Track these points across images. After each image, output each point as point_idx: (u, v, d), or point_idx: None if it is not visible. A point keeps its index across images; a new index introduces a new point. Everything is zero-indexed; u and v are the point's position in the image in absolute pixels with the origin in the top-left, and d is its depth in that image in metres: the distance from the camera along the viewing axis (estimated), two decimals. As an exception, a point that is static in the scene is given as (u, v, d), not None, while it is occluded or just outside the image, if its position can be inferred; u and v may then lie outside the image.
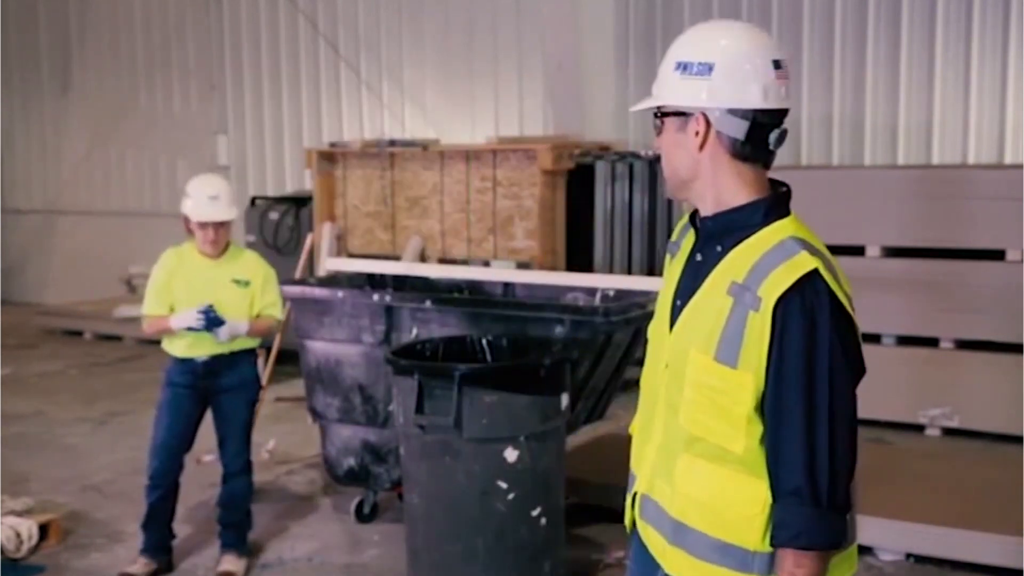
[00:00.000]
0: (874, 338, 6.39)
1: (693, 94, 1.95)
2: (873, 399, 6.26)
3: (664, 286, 2.13)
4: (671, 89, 1.99)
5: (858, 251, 6.35)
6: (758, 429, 1.90)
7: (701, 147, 1.96)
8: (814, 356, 1.85)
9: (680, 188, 2.04)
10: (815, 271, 1.89)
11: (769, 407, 1.88)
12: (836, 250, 7.52)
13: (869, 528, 4.60)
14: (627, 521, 2.20)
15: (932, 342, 6.25)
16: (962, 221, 6.11)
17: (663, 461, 2.04)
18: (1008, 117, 7.33)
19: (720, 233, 1.98)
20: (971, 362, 6.15)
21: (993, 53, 7.34)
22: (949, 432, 6.18)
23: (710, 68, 1.95)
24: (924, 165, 7.41)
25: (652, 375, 2.11)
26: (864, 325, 6.62)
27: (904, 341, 6.34)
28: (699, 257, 2.02)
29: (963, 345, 6.18)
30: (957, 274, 6.17)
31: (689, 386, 1.95)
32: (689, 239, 2.10)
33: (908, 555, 4.57)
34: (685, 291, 2.02)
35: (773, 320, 1.85)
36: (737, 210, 1.97)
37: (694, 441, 1.96)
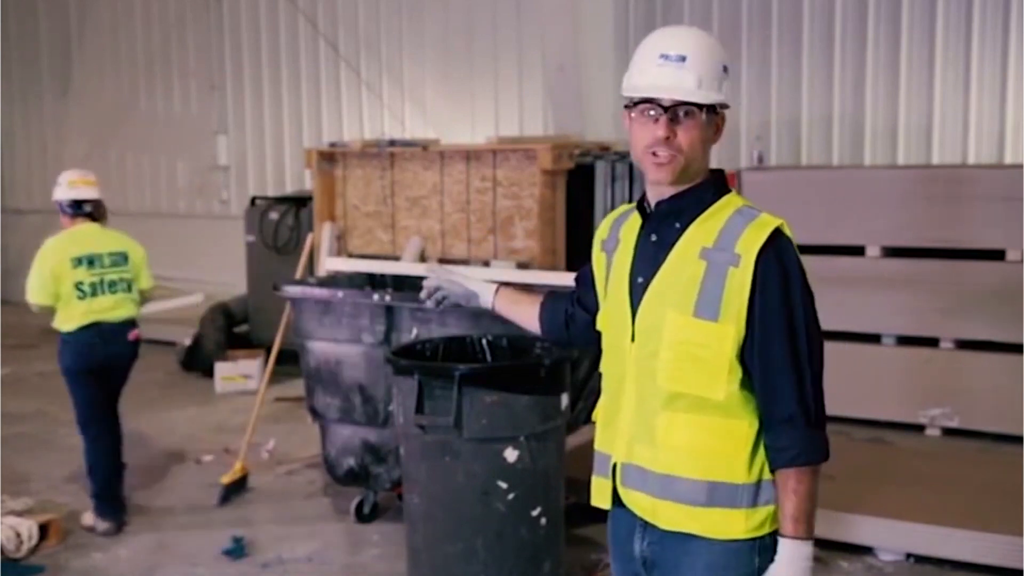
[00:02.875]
0: (874, 338, 6.39)
1: (728, 94, 2.22)
2: (873, 399, 6.33)
3: (613, 276, 2.33)
4: (719, 88, 2.19)
5: (858, 251, 6.35)
6: (738, 375, 2.14)
7: (715, 139, 2.23)
8: (791, 299, 2.13)
9: (681, 176, 2.19)
10: (781, 227, 2.17)
11: (757, 350, 2.13)
12: (836, 250, 7.54)
13: (869, 528, 4.61)
14: (600, 499, 2.37)
15: (932, 342, 6.25)
16: (962, 221, 6.11)
17: (641, 427, 2.23)
18: (1008, 117, 7.33)
19: (678, 211, 2.22)
20: (971, 362, 6.15)
21: (993, 53, 7.34)
22: (949, 432, 6.18)
23: (727, 70, 2.24)
24: (924, 165, 7.40)
25: (615, 356, 2.30)
26: (864, 325, 6.65)
27: (904, 341, 6.34)
28: (654, 238, 2.24)
29: (963, 345, 6.18)
30: (957, 274, 6.16)
31: (667, 347, 2.17)
32: (631, 228, 2.31)
33: (908, 555, 4.57)
34: (644, 269, 2.23)
35: (754, 272, 2.11)
36: (691, 190, 2.22)
37: (674, 398, 2.18)
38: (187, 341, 8.63)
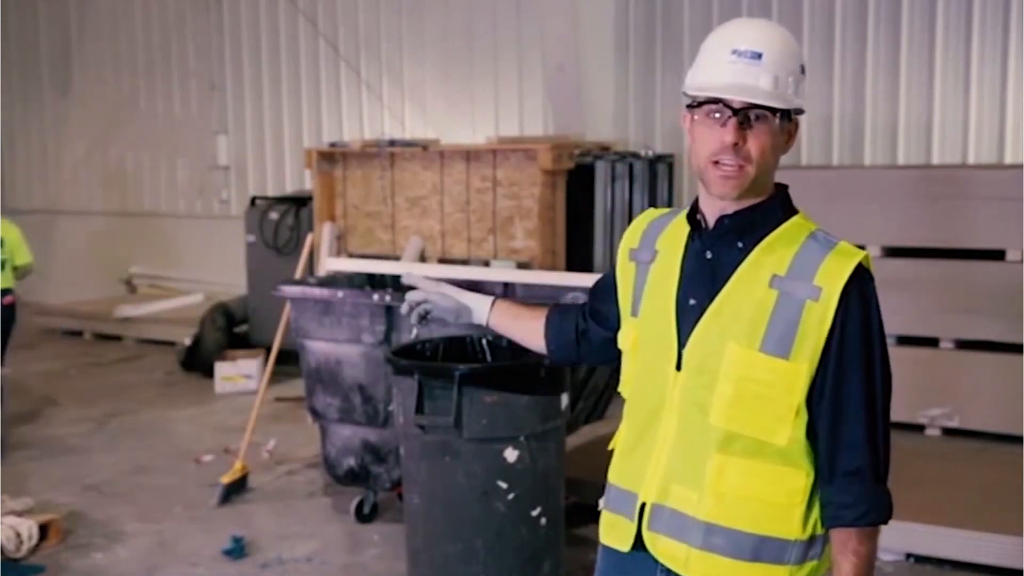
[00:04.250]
0: (874, 338, 6.38)
1: (804, 97, 2.00)
2: (873, 399, 6.31)
3: (650, 291, 2.10)
4: (796, 91, 1.97)
5: (858, 251, 6.35)
6: (804, 419, 1.94)
7: (786, 149, 2.00)
8: (871, 341, 1.96)
9: (749, 188, 1.96)
10: (865, 259, 1.96)
11: (829, 394, 1.93)
12: (836, 250, 7.28)
13: (869, 528, 4.60)
14: (617, 539, 2.11)
15: (932, 342, 6.25)
16: (962, 221, 6.10)
17: (683, 467, 2.00)
18: (1008, 117, 7.32)
19: (741, 229, 1.99)
20: (971, 362, 6.15)
21: (993, 53, 7.34)
22: (949, 432, 6.18)
23: (804, 70, 2.01)
24: (924, 165, 7.40)
25: (649, 382, 2.07)
26: (864, 325, 6.40)
27: (904, 341, 6.34)
28: (709, 255, 2.01)
29: (963, 345, 6.18)
30: (957, 274, 6.16)
31: (727, 382, 1.94)
32: (674, 239, 2.09)
33: (908, 555, 4.57)
34: (696, 290, 2.00)
35: (837, 310, 1.90)
36: (758, 206, 1.99)
37: (731, 439, 1.95)
38: (187, 341, 8.63)
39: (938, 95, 7.54)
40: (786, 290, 1.92)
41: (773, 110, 1.92)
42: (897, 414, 7.34)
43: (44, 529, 4.86)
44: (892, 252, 6.30)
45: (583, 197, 7.25)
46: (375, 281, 5.56)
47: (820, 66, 7.90)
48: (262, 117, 10.70)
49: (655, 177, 7.69)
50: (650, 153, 7.74)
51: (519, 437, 3.81)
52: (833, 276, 1.91)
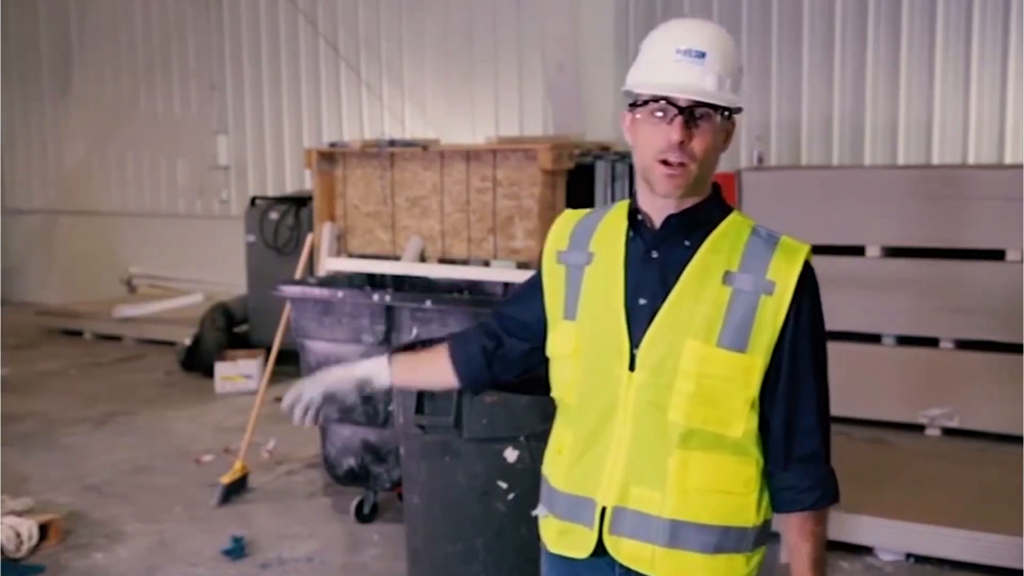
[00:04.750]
0: (874, 338, 6.39)
1: (742, 96, 2.04)
2: (873, 399, 6.32)
3: (588, 294, 2.07)
4: (738, 90, 2.01)
5: (858, 251, 6.35)
6: (756, 410, 1.99)
7: (724, 148, 2.04)
8: (818, 331, 2.01)
9: (692, 186, 1.98)
10: (808, 254, 2.02)
11: (784, 384, 1.99)
12: (836, 250, 7.52)
13: (869, 528, 4.60)
14: (575, 547, 2.11)
15: (932, 342, 6.25)
16: (962, 221, 6.10)
17: (642, 466, 2.00)
18: (1008, 117, 7.33)
19: (688, 228, 2.01)
20: (971, 362, 6.15)
21: (993, 53, 7.34)
22: (949, 432, 6.18)
23: (742, 70, 2.05)
24: (924, 165, 7.40)
25: (597, 385, 2.04)
26: (864, 325, 6.64)
27: (904, 341, 6.34)
28: (656, 255, 2.02)
29: (963, 345, 6.18)
30: (957, 274, 6.16)
31: (686, 379, 1.95)
32: (612, 240, 2.07)
33: (908, 555, 4.57)
34: (646, 290, 2.00)
35: (791, 302, 1.96)
36: (701, 205, 2.02)
37: (690, 435, 1.97)
38: (187, 341, 8.63)
39: (938, 95, 7.54)
40: (739, 285, 1.96)
41: (716, 108, 1.95)
42: (897, 414, 7.35)
43: (44, 529, 4.86)
44: (892, 252, 6.30)
45: (583, 197, 7.25)
46: (375, 281, 5.56)
47: (820, 66, 7.91)
48: (262, 117, 10.70)
49: (655, 177, 7.68)
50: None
51: (519, 437, 3.81)
52: (786, 271, 1.97)
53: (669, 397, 1.97)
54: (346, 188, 7.74)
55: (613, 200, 7.41)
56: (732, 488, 2.00)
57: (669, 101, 1.93)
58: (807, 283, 1.98)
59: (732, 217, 2.05)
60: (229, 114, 10.93)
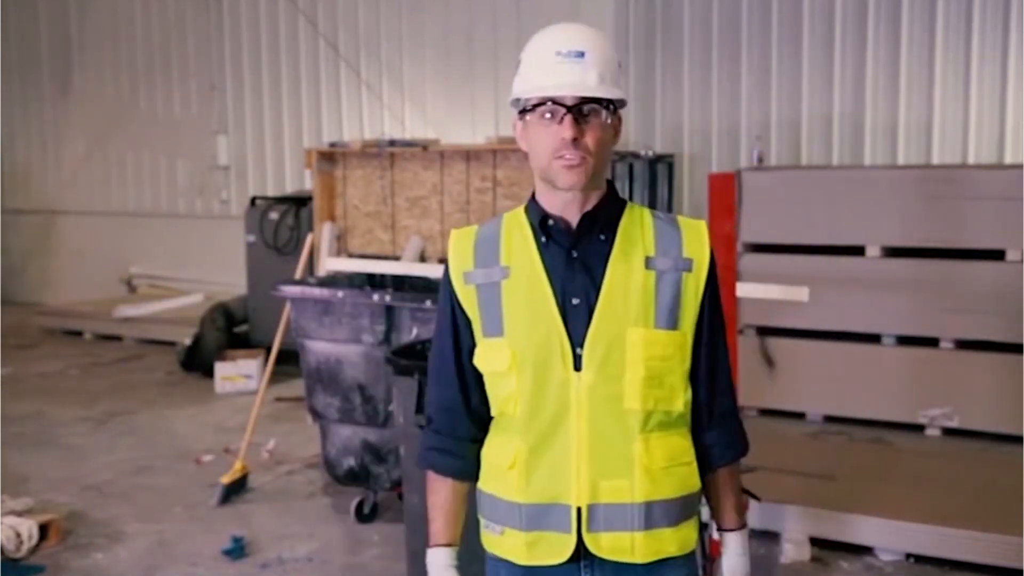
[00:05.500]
0: (874, 338, 6.39)
1: (624, 91, 2.09)
2: (873, 399, 6.32)
3: (513, 304, 2.05)
4: (618, 84, 2.06)
5: (858, 251, 6.35)
6: (688, 382, 2.10)
7: (615, 141, 2.10)
8: (719, 298, 2.15)
9: (591, 180, 2.03)
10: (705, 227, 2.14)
11: (705, 350, 2.11)
12: (836, 250, 7.51)
13: (869, 528, 4.60)
14: (553, 554, 2.06)
15: (932, 342, 6.25)
16: (962, 221, 6.10)
17: (607, 459, 2.03)
18: (1008, 117, 7.33)
19: (601, 222, 2.08)
20: (971, 362, 6.15)
21: (993, 53, 7.34)
22: (949, 432, 6.18)
23: (620, 65, 2.12)
24: (924, 165, 7.40)
25: (547, 389, 2.03)
26: (864, 325, 6.63)
27: (904, 341, 6.34)
28: (575, 253, 2.06)
29: (963, 345, 6.18)
30: (957, 274, 6.16)
31: (634, 365, 2.02)
32: (520, 248, 2.08)
33: (908, 555, 4.57)
34: (575, 289, 2.03)
35: (707, 275, 2.09)
36: (608, 198, 2.10)
37: (648, 417, 2.05)
38: (187, 341, 8.63)
39: (938, 95, 7.54)
40: (661, 267, 2.06)
41: (602, 103, 2.01)
42: (897, 414, 7.35)
43: (44, 529, 4.86)
44: (892, 252, 6.30)
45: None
46: (375, 281, 5.56)
47: (820, 66, 7.90)
48: (262, 117, 10.70)
49: (655, 177, 7.69)
50: (650, 153, 7.74)
51: (519, 437, 3.81)
52: (698, 247, 2.10)
53: (622, 386, 2.03)
54: (346, 188, 7.75)
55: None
56: (683, 458, 2.10)
57: (556, 101, 1.99)
58: (711, 256, 2.11)
59: (630, 206, 2.14)
60: (229, 114, 10.93)
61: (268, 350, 6.30)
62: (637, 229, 2.09)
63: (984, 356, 6.12)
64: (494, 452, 2.14)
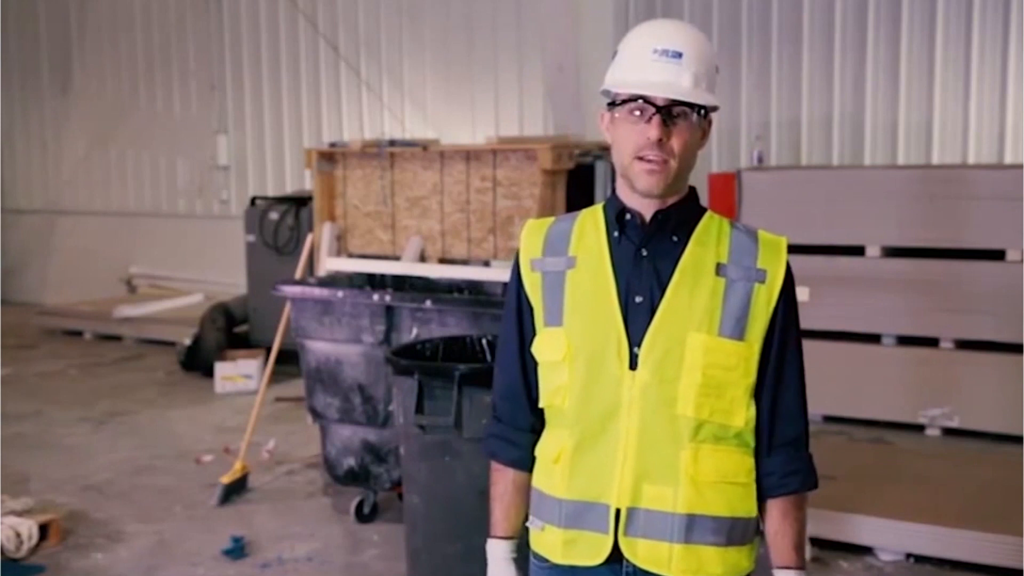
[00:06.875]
0: (874, 338, 6.39)
1: (717, 95, 2.05)
2: (873, 399, 6.33)
3: (575, 296, 2.04)
4: (713, 89, 2.03)
5: (858, 251, 6.35)
6: (754, 400, 2.02)
7: (702, 146, 2.05)
8: (798, 318, 2.08)
9: (673, 185, 2.00)
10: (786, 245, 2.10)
11: (773, 369, 2.03)
12: (836, 250, 7.51)
13: (869, 528, 4.60)
14: (589, 555, 2.03)
15: (932, 342, 6.25)
16: (962, 221, 6.11)
17: (653, 463, 1.98)
18: (1008, 117, 7.33)
19: (674, 224, 2.04)
20: (971, 362, 6.15)
21: (993, 53, 7.34)
22: (949, 432, 6.18)
23: (717, 70, 2.08)
24: (924, 165, 7.41)
25: (600, 385, 2.01)
26: (864, 325, 6.63)
27: (904, 341, 6.34)
28: (645, 252, 2.02)
29: (963, 345, 6.18)
30: (957, 274, 6.17)
31: (692, 371, 1.97)
32: (592, 241, 2.07)
33: (908, 555, 4.57)
34: (641, 287, 2.01)
35: (781, 290, 2.03)
36: (685, 200, 2.06)
37: (700, 427, 1.98)
38: (187, 341, 8.63)
39: (938, 95, 7.55)
40: (732, 276, 2.01)
41: (693, 107, 1.97)
42: (897, 414, 7.35)
43: (44, 529, 4.86)
44: (892, 252, 6.30)
45: (583, 197, 7.25)
46: (375, 281, 5.56)
47: (820, 66, 7.90)
48: (262, 117, 10.70)
49: (655, 177, 7.67)
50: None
51: (519, 437, 3.81)
52: (774, 260, 2.05)
53: (676, 391, 1.97)
54: (346, 188, 7.74)
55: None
56: (737, 479, 2.02)
57: (647, 100, 1.96)
58: (790, 273, 2.06)
59: (709, 215, 2.09)
60: (229, 114, 10.94)
61: (268, 350, 6.30)
62: (713, 236, 2.04)
63: (984, 356, 6.12)
64: (544, 445, 2.14)
